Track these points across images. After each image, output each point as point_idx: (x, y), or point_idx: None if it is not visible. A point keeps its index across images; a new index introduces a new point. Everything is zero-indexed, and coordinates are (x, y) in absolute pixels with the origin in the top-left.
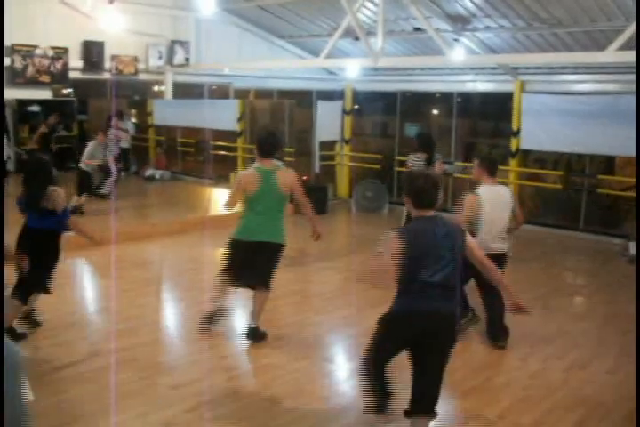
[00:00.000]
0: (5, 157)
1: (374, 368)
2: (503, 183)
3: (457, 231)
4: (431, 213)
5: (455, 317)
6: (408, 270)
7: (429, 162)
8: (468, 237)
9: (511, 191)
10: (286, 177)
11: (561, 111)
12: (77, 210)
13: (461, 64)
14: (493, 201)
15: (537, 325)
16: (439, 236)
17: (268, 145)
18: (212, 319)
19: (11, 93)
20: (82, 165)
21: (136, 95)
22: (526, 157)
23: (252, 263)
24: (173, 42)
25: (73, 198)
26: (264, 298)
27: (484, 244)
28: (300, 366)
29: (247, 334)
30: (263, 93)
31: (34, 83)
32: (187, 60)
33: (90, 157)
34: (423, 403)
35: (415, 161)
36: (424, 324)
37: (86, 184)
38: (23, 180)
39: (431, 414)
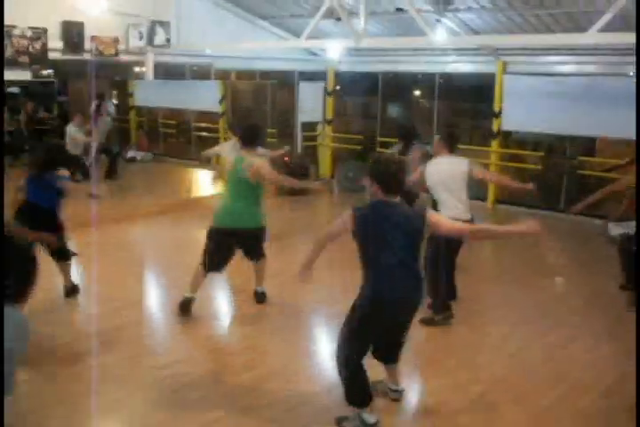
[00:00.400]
0: None
1: (355, 362)
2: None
3: (416, 217)
4: (397, 198)
5: (419, 301)
6: (368, 253)
7: (404, 152)
8: (431, 217)
9: (469, 162)
10: (252, 165)
11: (542, 92)
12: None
13: (443, 45)
14: (443, 172)
15: (518, 305)
16: (395, 221)
17: (248, 137)
18: (189, 306)
19: None
20: (69, 149)
21: (117, 76)
22: (507, 138)
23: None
24: (154, 22)
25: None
26: (264, 264)
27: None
28: (284, 347)
29: (258, 299)
30: (245, 74)
31: (13, 64)
32: (168, 40)
33: (71, 140)
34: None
35: (391, 150)
36: (396, 310)
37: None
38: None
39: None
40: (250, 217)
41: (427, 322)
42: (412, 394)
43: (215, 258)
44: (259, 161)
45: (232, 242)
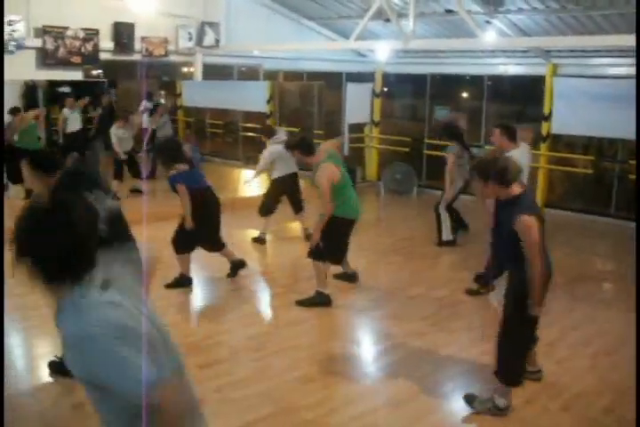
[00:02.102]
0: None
1: (530, 345)
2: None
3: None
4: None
5: None
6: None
7: (469, 152)
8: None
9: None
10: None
11: (593, 95)
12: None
13: (493, 47)
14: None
15: (563, 311)
16: None
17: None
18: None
19: (42, 74)
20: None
21: (165, 76)
22: (557, 141)
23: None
24: (203, 23)
25: (112, 184)
26: None
27: None
28: (328, 348)
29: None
30: (292, 75)
31: (65, 64)
32: (217, 41)
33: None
34: None
35: (458, 158)
36: None
37: (117, 169)
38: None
39: None
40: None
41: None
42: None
43: (342, 249)
44: (319, 172)
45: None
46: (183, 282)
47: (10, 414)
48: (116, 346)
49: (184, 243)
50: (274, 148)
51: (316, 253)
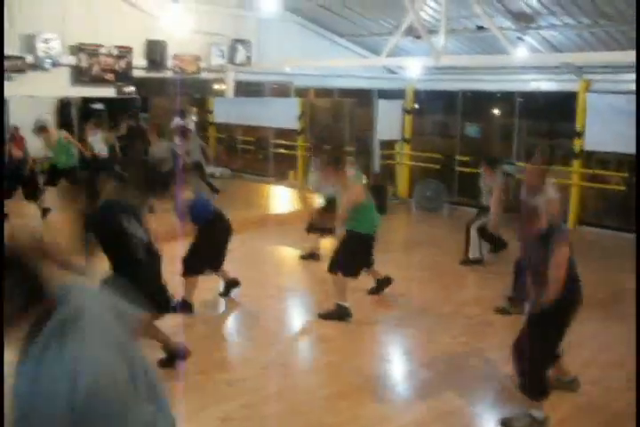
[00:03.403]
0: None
1: (552, 357)
2: None
3: None
4: None
5: None
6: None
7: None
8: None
9: None
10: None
11: (626, 111)
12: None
13: (524, 63)
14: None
15: (596, 331)
16: None
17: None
18: (347, 313)
19: (76, 91)
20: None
21: (197, 93)
22: (589, 157)
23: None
24: (235, 41)
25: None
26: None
27: None
28: (357, 365)
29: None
30: (323, 92)
31: (98, 81)
32: (248, 58)
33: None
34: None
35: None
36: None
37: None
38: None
39: None
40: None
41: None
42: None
43: (358, 264)
44: (348, 191)
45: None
46: (183, 307)
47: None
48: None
49: (194, 265)
50: None
51: (331, 266)
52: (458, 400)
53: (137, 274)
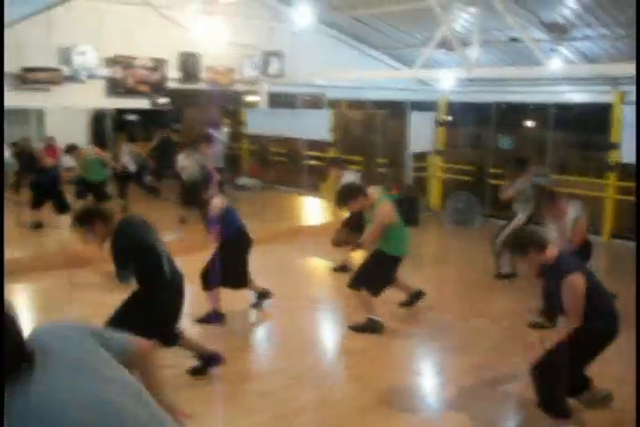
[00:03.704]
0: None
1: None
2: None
3: None
4: None
5: None
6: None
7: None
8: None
9: None
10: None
11: None
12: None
13: (559, 74)
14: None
15: (631, 346)
16: None
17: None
18: (378, 327)
19: (111, 103)
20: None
21: (229, 105)
22: (624, 170)
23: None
24: (268, 53)
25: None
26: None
27: None
28: (389, 377)
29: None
30: (355, 104)
31: (133, 93)
32: (281, 70)
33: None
34: None
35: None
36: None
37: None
38: None
39: None
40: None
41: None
42: None
43: (383, 283)
44: (380, 209)
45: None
46: (213, 318)
47: None
48: None
49: (215, 279)
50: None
51: (354, 282)
52: (490, 415)
53: (155, 297)
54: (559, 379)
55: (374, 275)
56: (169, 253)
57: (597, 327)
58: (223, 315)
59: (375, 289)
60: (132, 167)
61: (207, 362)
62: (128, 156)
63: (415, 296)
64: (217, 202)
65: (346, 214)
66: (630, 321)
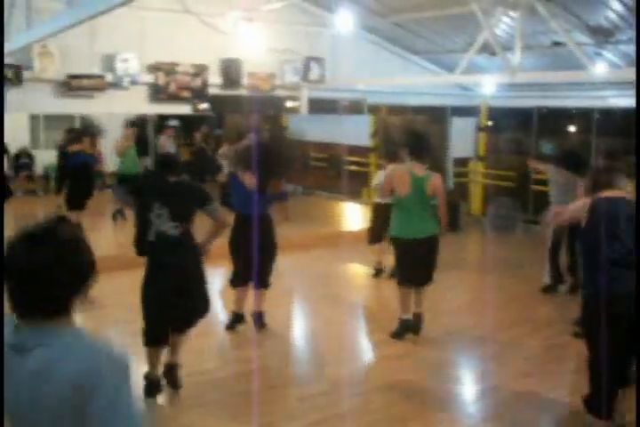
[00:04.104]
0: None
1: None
2: None
3: None
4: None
5: None
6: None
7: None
8: None
9: None
10: (434, 183)
11: None
12: None
13: (604, 79)
14: None
15: None
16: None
17: (419, 148)
18: (408, 327)
19: (153, 109)
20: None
21: (270, 110)
22: None
23: (421, 261)
24: (309, 58)
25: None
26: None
27: None
28: (429, 385)
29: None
30: (396, 109)
31: (175, 98)
32: (322, 76)
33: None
34: None
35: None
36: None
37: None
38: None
39: None
40: (427, 226)
41: None
42: None
43: (406, 269)
44: (440, 179)
45: (418, 253)
46: (233, 320)
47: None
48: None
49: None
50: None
51: (396, 279)
52: (531, 424)
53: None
54: (599, 375)
55: (396, 263)
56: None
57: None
58: (242, 316)
59: (401, 277)
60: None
61: (166, 374)
62: (167, 145)
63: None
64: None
65: (371, 213)
66: None
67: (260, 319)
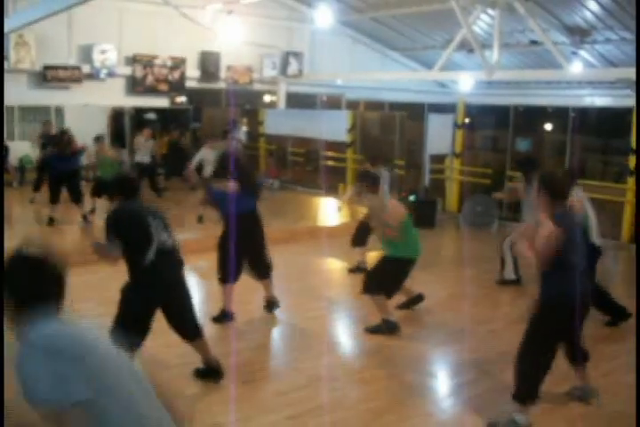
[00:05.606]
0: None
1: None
2: None
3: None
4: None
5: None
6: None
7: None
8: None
9: None
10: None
11: None
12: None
13: (579, 78)
14: None
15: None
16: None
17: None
18: (396, 327)
19: (130, 101)
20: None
21: (247, 104)
22: None
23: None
24: (287, 53)
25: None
26: None
27: None
28: (404, 380)
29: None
30: (374, 105)
31: (152, 91)
32: (300, 70)
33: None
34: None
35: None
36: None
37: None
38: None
39: None
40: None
41: None
42: None
43: (398, 287)
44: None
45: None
46: (223, 317)
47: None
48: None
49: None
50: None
51: (369, 288)
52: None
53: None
54: (529, 364)
55: (386, 278)
56: (172, 247)
57: (556, 299)
58: (232, 314)
59: (388, 292)
60: (146, 160)
61: (211, 369)
62: (149, 152)
63: (414, 300)
64: None
65: (362, 215)
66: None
67: (275, 303)
